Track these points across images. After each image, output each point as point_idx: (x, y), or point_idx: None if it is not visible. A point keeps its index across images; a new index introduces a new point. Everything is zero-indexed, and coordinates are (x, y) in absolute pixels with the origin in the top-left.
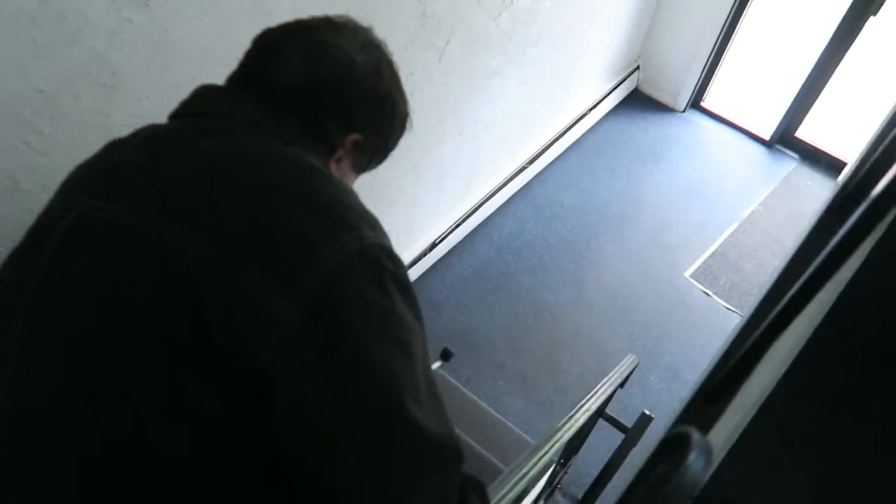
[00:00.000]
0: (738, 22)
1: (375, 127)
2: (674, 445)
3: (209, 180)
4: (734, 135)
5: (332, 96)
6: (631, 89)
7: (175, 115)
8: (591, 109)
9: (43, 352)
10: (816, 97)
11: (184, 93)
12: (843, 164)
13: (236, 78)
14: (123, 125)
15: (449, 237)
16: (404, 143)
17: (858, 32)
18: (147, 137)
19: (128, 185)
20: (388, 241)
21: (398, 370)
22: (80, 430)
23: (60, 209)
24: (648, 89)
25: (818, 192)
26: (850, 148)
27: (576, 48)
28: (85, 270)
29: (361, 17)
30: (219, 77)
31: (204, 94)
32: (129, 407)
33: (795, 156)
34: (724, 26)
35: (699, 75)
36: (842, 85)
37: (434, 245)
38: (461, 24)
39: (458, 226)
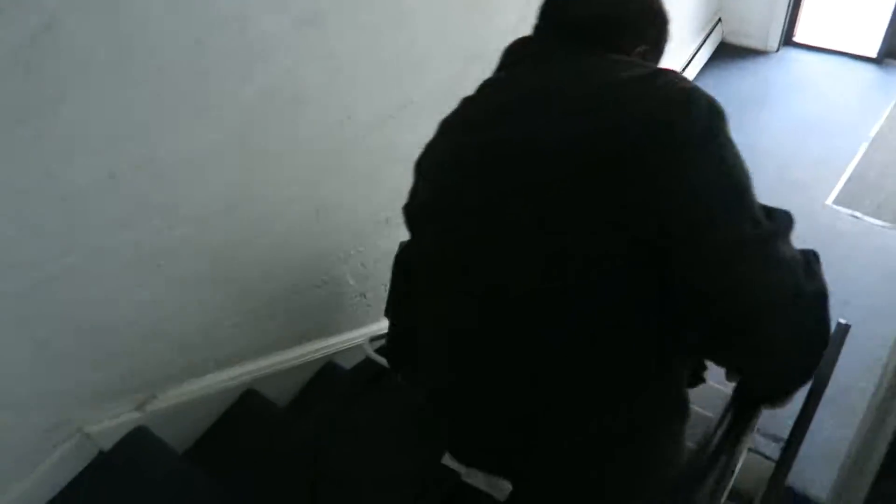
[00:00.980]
0: None
1: (654, 37)
2: None
3: (558, 91)
4: (837, 60)
5: (618, 22)
6: (717, 43)
7: (500, 68)
8: (683, 70)
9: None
10: None
11: (352, 92)
12: None
13: (540, 25)
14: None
15: None
16: None
17: None
18: (490, 86)
19: (495, 117)
20: None
21: (747, 182)
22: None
23: (454, 147)
24: (735, 39)
25: None
26: None
27: None
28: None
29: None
30: (371, 72)
31: (517, 45)
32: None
33: None
34: None
35: (785, 10)
36: None
37: None
38: None
39: None
